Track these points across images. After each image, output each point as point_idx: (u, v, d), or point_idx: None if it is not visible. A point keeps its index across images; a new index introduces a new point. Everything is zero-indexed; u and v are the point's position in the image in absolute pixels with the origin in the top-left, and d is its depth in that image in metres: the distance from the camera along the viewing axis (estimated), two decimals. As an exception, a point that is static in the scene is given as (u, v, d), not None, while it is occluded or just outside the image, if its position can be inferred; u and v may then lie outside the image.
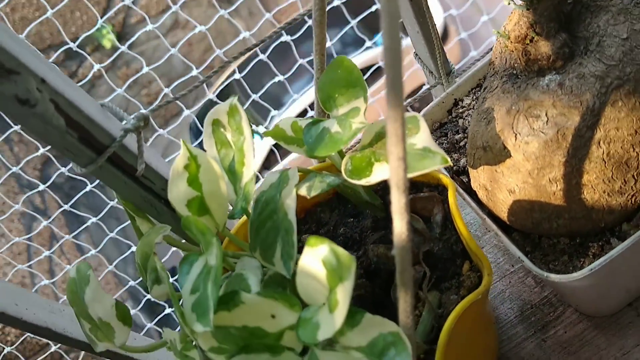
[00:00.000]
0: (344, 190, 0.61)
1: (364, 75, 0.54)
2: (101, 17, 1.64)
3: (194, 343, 0.53)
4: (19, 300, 0.61)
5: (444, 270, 0.57)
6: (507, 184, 0.53)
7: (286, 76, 1.71)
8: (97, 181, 1.70)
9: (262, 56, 1.66)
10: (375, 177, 0.50)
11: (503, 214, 0.56)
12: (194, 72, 1.53)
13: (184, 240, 0.62)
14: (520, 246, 0.56)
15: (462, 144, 0.64)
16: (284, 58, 2.07)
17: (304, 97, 3.14)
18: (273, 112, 1.95)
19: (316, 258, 0.43)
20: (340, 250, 0.41)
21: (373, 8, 1.95)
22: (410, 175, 0.48)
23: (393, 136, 0.36)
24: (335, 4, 1.68)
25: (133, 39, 1.63)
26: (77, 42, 1.45)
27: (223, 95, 2.27)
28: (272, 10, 1.80)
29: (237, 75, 1.73)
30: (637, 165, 0.49)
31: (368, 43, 1.98)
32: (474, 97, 0.66)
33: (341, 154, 0.55)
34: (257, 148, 3.19)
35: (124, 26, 4.21)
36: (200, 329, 0.44)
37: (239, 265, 0.52)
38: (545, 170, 0.50)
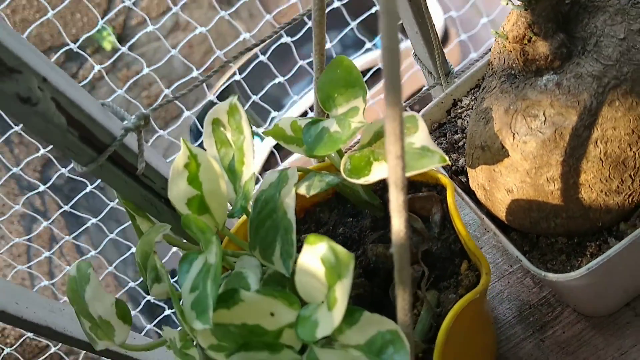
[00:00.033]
0: (343, 189, 0.61)
1: (364, 77, 0.54)
2: (101, 19, 1.64)
3: (193, 341, 0.53)
4: (19, 299, 0.62)
5: (442, 270, 0.57)
6: (505, 184, 0.54)
7: (286, 77, 1.72)
8: (97, 182, 1.70)
9: (262, 57, 1.66)
10: (374, 176, 0.50)
11: (501, 214, 0.56)
12: (194, 74, 1.54)
13: (184, 241, 0.62)
14: (519, 246, 0.57)
15: (460, 144, 0.64)
16: (284, 60, 2.08)
17: (304, 99, 3.15)
18: (273, 114, 1.95)
19: (315, 256, 0.43)
20: (339, 248, 0.41)
21: (373, 10, 1.95)
22: (408, 174, 0.48)
23: (391, 135, 0.36)
24: (335, 5, 1.68)
25: (134, 40, 1.64)
26: (77, 43, 1.45)
27: (223, 97, 2.26)
28: (273, 12, 1.80)
29: (237, 77, 1.73)
30: (634, 164, 0.49)
31: (368, 45, 1.98)
32: (473, 97, 0.66)
33: (340, 154, 0.56)
34: (257, 150, 3.20)
35: (125, 28, 4.22)
36: (199, 327, 0.45)
37: (238, 264, 0.53)
38: (543, 169, 0.51)
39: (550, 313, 0.69)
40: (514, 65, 0.53)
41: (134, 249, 1.89)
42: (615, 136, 0.48)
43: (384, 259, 0.59)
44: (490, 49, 0.64)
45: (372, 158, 0.51)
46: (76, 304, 0.54)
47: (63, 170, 1.55)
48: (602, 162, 0.49)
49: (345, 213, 0.66)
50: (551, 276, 0.52)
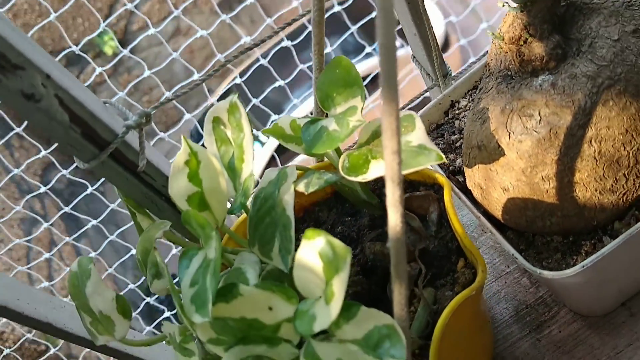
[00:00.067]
0: (342, 188, 0.62)
1: (364, 82, 0.55)
2: (103, 23, 1.65)
3: (193, 336, 0.54)
4: (20, 295, 0.62)
5: (439, 268, 0.58)
6: (501, 182, 0.54)
7: (287, 81, 1.73)
8: (98, 184, 1.71)
9: (263, 61, 1.67)
10: (371, 173, 0.51)
11: (497, 213, 0.57)
12: (195, 77, 1.55)
13: (186, 240, 0.63)
14: (515, 244, 0.57)
15: (458, 144, 0.65)
16: (285, 64, 2.09)
17: (305, 104, 3.16)
18: (274, 117, 1.96)
19: (313, 250, 0.44)
20: (336, 242, 0.42)
21: (373, 14, 1.97)
22: (406, 171, 0.49)
23: (388, 130, 0.37)
24: (335, 9, 1.69)
25: (134, 43, 1.65)
26: (79, 46, 1.46)
27: (224, 101, 2.27)
28: (273, 18, 1.81)
29: (238, 80, 1.74)
30: (628, 163, 0.50)
31: (368, 49, 1.99)
32: (470, 99, 0.67)
33: (338, 152, 0.57)
34: (257, 155, 3.21)
35: (126, 33, 4.23)
36: (199, 320, 0.45)
37: (237, 260, 0.53)
38: (538, 168, 0.51)
39: (546, 313, 0.69)
40: (510, 66, 0.54)
41: (133, 251, 1.90)
42: (610, 135, 0.49)
43: (381, 257, 0.60)
44: (487, 51, 0.65)
45: (370, 156, 0.52)
46: (77, 298, 0.55)
47: (64, 172, 1.56)
48: (597, 161, 0.50)
49: (344, 212, 0.66)
50: (546, 274, 0.53)
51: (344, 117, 0.53)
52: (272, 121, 2.33)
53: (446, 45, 3.34)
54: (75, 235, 1.77)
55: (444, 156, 0.47)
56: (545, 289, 0.70)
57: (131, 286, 1.84)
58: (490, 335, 0.68)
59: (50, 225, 1.81)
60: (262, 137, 3.28)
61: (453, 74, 0.76)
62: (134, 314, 1.94)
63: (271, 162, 3.19)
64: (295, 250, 0.48)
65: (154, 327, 2.00)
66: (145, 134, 0.56)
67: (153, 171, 0.57)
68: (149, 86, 4.19)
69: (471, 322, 0.59)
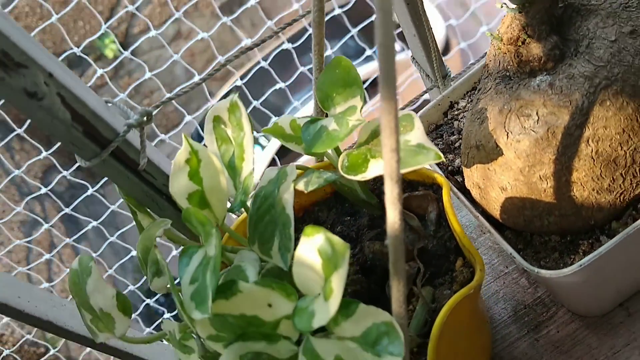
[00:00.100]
0: (341, 188, 0.63)
1: (364, 85, 0.56)
2: (104, 26, 1.66)
3: (192, 333, 0.54)
4: (21, 293, 0.63)
5: (437, 267, 0.58)
6: (499, 182, 0.55)
7: (287, 83, 1.73)
8: (98, 185, 1.71)
9: (263, 63, 1.68)
10: (370, 172, 0.51)
11: (495, 212, 0.58)
12: (196, 79, 1.55)
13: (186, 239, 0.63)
14: (513, 244, 0.58)
15: (457, 145, 0.65)
16: (286, 68, 2.09)
17: (306, 107, 3.17)
18: (275, 119, 1.96)
19: (312, 247, 0.44)
20: (335, 239, 0.43)
21: (374, 17, 1.97)
22: (405, 170, 0.49)
23: (386, 128, 0.37)
24: (336, 12, 1.70)
25: (136, 44, 1.65)
26: (80, 48, 1.47)
27: (224, 104, 2.27)
28: (274, 20, 1.82)
29: (239, 82, 1.75)
30: (625, 163, 0.50)
31: (368, 52, 2.00)
32: (469, 99, 0.68)
33: (338, 152, 0.57)
34: (258, 158, 3.21)
35: (127, 36, 4.24)
36: (198, 316, 0.46)
37: (237, 258, 0.54)
38: (536, 167, 0.52)
39: (544, 313, 0.70)
40: (508, 66, 0.55)
41: (133, 253, 1.90)
42: (607, 135, 0.49)
43: (380, 256, 0.60)
44: (486, 52, 0.66)
45: (369, 155, 0.52)
46: (78, 296, 0.55)
47: (65, 173, 1.56)
48: (594, 160, 0.50)
49: (343, 212, 0.67)
50: (544, 273, 0.53)
51: (343, 117, 0.54)
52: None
53: (447, 48, 3.35)
54: (75, 237, 1.77)
55: (442, 155, 0.48)
56: (543, 290, 0.71)
57: (131, 287, 1.84)
58: (489, 335, 0.68)
59: (51, 226, 1.81)
60: (263, 141, 3.29)
61: (452, 76, 0.76)
62: (133, 316, 1.94)
63: (272, 166, 3.19)
64: (295, 248, 0.48)
65: (153, 329, 2.00)
66: (146, 135, 0.56)
67: (154, 170, 0.58)
68: (149, 89, 4.20)
69: (469, 320, 0.60)
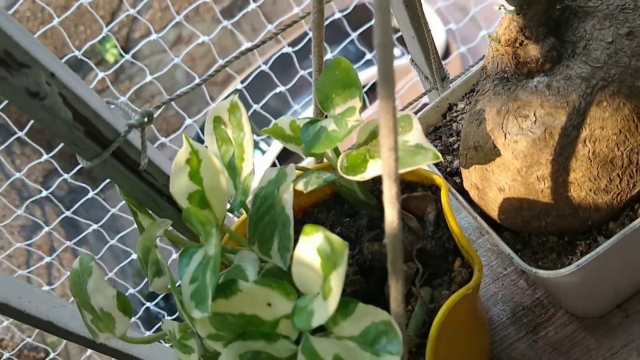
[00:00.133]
0: (341, 189, 0.63)
1: (365, 89, 0.56)
2: (105, 30, 1.67)
3: (192, 332, 0.54)
4: (22, 293, 0.63)
5: (436, 267, 0.59)
6: (497, 182, 0.55)
7: (287, 87, 1.74)
8: (99, 189, 1.72)
9: (264, 67, 1.68)
10: (369, 172, 0.52)
11: (494, 213, 0.58)
12: (197, 80, 1.55)
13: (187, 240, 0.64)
14: (511, 244, 0.58)
15: (455, 146, 0.66)
16: (286, 73, 2.10)
17: (307, 111, 3.17)
18: (275, 121, 1.97)
19: (311, 246, 0.45)
20: (334, 237, 0.43)
21: (373, 21, 1.98)
22: (403, 170, 0.50)
23: (385, 127, 0.37)
24: (336, 16, 1.70)
25: (137, 48, 1.66)
26: (81, 51, 1.47)
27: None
28: (275, 25, 1.82)
29: (239, 87, 1.75)
30: (621, 164, 0.51)
31: (368, 56, 2.00)
32: (468, 101, 0.68)
33: (337, 153, 0.57)
34: (259, 163, 3.22)
35: (128, 41, 4.26)
36: (198, 315, 0.46)
37: (237, 258, 0.54)
38: (533, 168, 0.52)
39: (543, 314, 0.70)
40: (506, 68, 0.55)
41: (134, 255, 1.90)
42: (603, 136, 0.50)
43: (379, 257, 0.60)
44: (485, 56, 0.66)
45: (368, 156, 0.53)
46: (78, 296, 0.55)
47: (66, 175, 1.56)
48: (591, 161, 0.51)
49: (343, 213, 0.67)
50: (542, 273, 0.54)
51: (342, 118, 0.54)
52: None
53: (447, 53, 3.36)
54: (75, 240, 1.78)
55: (440, 155, 0.48)
56: (542, 291, 0.71)
57: (131, 291, 1.85)
58: (487, 337, 0.69)
59: (51, 229, 1.82)
60: (263, 146, 3.30)
61: (451, 78, 0.77)
62: (133, 319, 1.94)
63: (272, 170, 3.19)
64: (294, 248, 0.49)
65: (153, 332, 2.00)
66: (146, 135, 0.57)
67: (154, 170, 0.58)
68: (150, 94, 4.21)
69: (468, 321, 0.60)
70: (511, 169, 0.53)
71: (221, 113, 0.55)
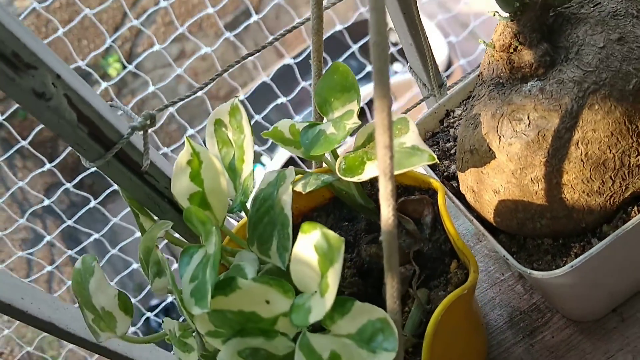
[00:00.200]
0: (339, 193, 0.64)
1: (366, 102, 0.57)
2: (108, 48, 1.69)
3: (192, 331, 0.55)
4: (25, 294, 0.64)
5: (433, 269, 0.60)
6: (492, 185, 0.56)
7: (289, 98, 1.75)
8: (101, 198, 1.73)
9: (266, 79, 1.70)
10: (367, 174, 0.53)
11: (489, 215, 0.59)
12: (199, 93, 1.57)
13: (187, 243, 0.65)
14: (507, 247, 0.59)
15: (452, 151, 0.67)
16: (288, 87, 2.12)
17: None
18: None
19: (309, 244, 0.46)
20: (331, 233, 0.44)
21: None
22: (400, 171, 0.51)
23: (380, 126, 0.39)
24: (337, 28, 1.72)
25: (140, 58, 1.68)
26: (85, 61, 1.49)
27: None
28: (277, 37, 1.83)
29: (241, 97, 1.77)
30: (614, 166, 0.52)
31: (369, 67, 2.02)
32: (465, 108, 0.69)
33: (335, 156, 0.58)
34: (260, 176, 3.22)
35: (131, 55, 4.29)
36: (198, 312, 0.47)
37: (236, 258, 0.55)
38: (527, 170, 0.53)
39: (540, 319, 0.71)
40: (501, 73, 0.56)
41: (134, 265, 1.91)
42: (595, 138, 0.51)
43: (377, 259, 0.61)
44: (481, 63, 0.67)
45: (365, 158, 0.54)
46: (80, 295, 0.56)
47: (67, 185, 1.58)
48: (583, 163, 0.52)
49: (341, 217, 0.68)
50: (536, 274, 0.54)
51: (341, 121, 0.56)
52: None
53: (448, 67, 3.39)
54: (76, 250, 1.79)
55: (435, 157, 0.49)
56: (538, 296, 0.72)
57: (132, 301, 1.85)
58: (484, 340, 0.69)
59: (52, 242, 1.83)
60: (265, 159, 3.31)
61: (448, 85, 0.78)
62: (133, 329, 1.94)
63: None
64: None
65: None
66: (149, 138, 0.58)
67: (156, 172, 0.59)
68: (152, 108, 4.23)
69: (464, 321, 0.61)
70: (506, 171, 0.54)
71: (222, 115, 0.56)
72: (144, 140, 0.55)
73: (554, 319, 0.70)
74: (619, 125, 0.50)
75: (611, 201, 0.54)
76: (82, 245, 1.83)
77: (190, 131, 1.62)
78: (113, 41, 3.62)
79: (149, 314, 1.85)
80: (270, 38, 0.72)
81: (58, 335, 0.67)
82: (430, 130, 0.70)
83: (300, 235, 0.46)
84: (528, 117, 0.53)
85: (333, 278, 0.44)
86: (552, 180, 0.53)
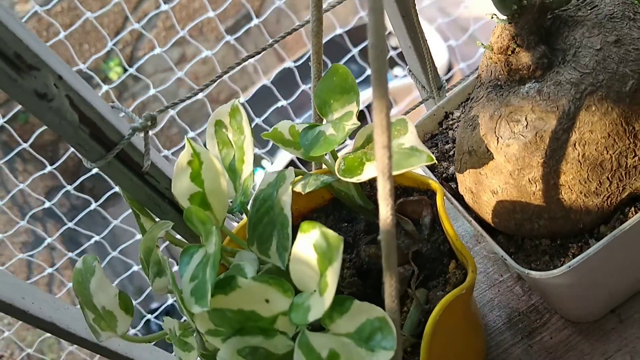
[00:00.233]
0: (339, 194, 0.64)
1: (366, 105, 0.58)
2: (109, 52, 1.70)
3: (192, 330, 0.55)
4: (26, 294, 0.64)
5: (431, 269, 0.60)
6: (490, 185, 0.57)
7: (289, 101, 1.76)
8: (101, 200, 1.73)
9: (266, 82, 1.71)
10: (365, 174, 0.53)
11: (488, 216, 0.59)
12: (200, 96, 1.58)
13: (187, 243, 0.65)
14: (505, 247, 0.59)
15: (451, 153, 0.67)
16: (289, 91, 2.13)
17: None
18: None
19: (308, 243, 0.46)
20: (329, 232, 0.44)
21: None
22: (399, 171, 0.51)
23: (378, 126, 0.39)
24: (338, 31, 1.73)
25: (141, 62, 1.69)
26: (86, 64, 1.50)
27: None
28: (277, 44, 1.84)
29: (242, 100, 1.78)
30: (611, 167, 0.52)
31: (369, 71, 2.03)
32: (464, 110, 0.70)
33: (335, 157, 0.59)
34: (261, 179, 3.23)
35: (132, 59, 4.30)
36: (198, 310, 0.47)
37: (236, 258, 0.55)
38: (525, 170, 0.54)
39: (538, 320, 0.71)
40: (499, 75, 0.57)
41: (135, 268, 1.91)
42: (593, 139, 0.51)
43: (375, 260, 0.62)
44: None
45: (364, 159, 0.54)
46: (81, 295, 0.56)
47: (68, 187, 1.58)
48: (581, 164, 0.52)
49: (341, 219, 0.69)
50: (534, 274, 0.55)
51: (340, 122, 0.56)
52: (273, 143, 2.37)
53: (449, 70, 3.40)
54: (76, 252, 1.79)
55: (434, 157, 0.50)
56: (537, 297, 0.72)
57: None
58: (483, 340, 0.70)
59: (53, 244, 1.83)
60: (265, 164, 3.32)
61: (447, 87, 0.79)
62: (133, 332, 1.95)
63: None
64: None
65: (153, 345, 2.00)
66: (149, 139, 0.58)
67: (157, 173, 0.59)
68: (153, 111, 4.24)
69: (462, 321, 0.61)
70: (504, 172, 0.55)
71: (222, 117, 0.56)
72: (145, 141, 0.56)
73: (553, 320, 0.70)
74: (615, 127, 0.51)
75: (608, 202, 0.54)
76: (82, 248, 1.84)
77: (191, 134, 1.62)
78: (114, 45, 3.63)
79: (149, 316, 1.86)
80: (270, 40, 0.73)
81: (59, 335, 0.68)
82: (429, 132, 0.71)
83: (299, 235, 0.47)
84: (526, 119, 0.53)
85: (332, 277, 0.44)
86: (550, 181, 0.53)
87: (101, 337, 0.57)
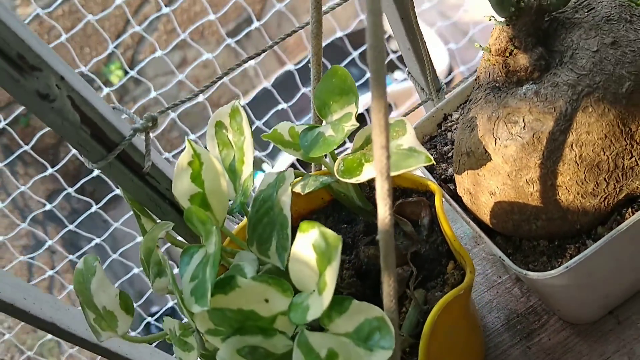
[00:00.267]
0: (338, 195, 0.65)
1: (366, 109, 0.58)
2: (110, 55, 1.70)
3: (192, 330, 0.56)
4: (27, 294, 0.65)
5: (430, 270, 0.60)
6: (488, 186, 0.57)
7: (290, 104, 1.77)
8: (102, 202, 1.74)
9: (266, 84, 1.71)
10: (364, 175, 0.53)
11: (486, 217, 0.60)
12: (201, 98, 1.59)
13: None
14: (503, 248, 0.60)
15: (450, 155, 0.68)
16: (290, 94, 2.14)
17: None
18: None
19: (307, 243, 0.46)
20: (328, 232, 0.45)
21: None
22: (397, 172, 0.52)
23: (377, 126, 0.39)
24: (338, 34, 1.74)
25: (142, 64, 1.69)
26: (87, 67, 1.51)
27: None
28: (278, 47, 1.86)
29: (242, 102, 1.79)
30: (607, 168, 0.53)
31: (369, 74, 2.03)
32: (462, 112, 0.70)
33: (334, 158, 0.59)
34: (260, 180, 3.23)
35: (133, 62, 4.31)
36: (198, 310, 0.47)
37: (236, 258, 0.56)
38: (523, 171, 0.54)
39: (537, 321, 0.71)
40: (497, 77, 0.57)
41: (135, 270, 1.92)
42: (589, 140, 0.52)
43: (374, 260, 0.62)
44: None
45: (363, 160, 0.55)
46: (82, 295, 0.57)
47: (69, 189, 1.59)
48: (578, 164, 0.52)
49: (340, 220, 0.69)
50: (532, 275, 0.55)
51: (339, 124, 0.56)
52: (274, 145, 2.37)
53: (449, 74, 3.40)
54: (77, 255, 1.79)
55: (432, 158, 0.50)
56: (535, 299, 0.72)
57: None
58: (481, 341, 0.70)
59: (53, 246, 1.83)
60: (266, 167, 3.32)
61: (446, 89, 0.79)
62: (133, 334, 1.95)
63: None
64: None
65: (154, 346, 2.00)
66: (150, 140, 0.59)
67: (158, 174, 0.60)
68: (153, 112, 4.25)
69: (460, 321, 0.61)
70: (501, 173, 0.55)
71: (222, 118, 0.57)
72: (146, 142, 0.56)
73: (551, 322, 0.71)
74: (612, 128, 0.51)
75: (605, 203, 0.55)
76: (82, 251, 1.84)
77: (192, 136, 1.63)
78: (115, 48, 3.64)
79: (149, 318, 1.86)
80: (271, 42, 0.73)
81: (59, 335, 0.68)
82: (428, 133, 0.71)
83: (298, 234, 0.47)
84: (523, 120, 0.54)
85: (331, 276, 0.45)
86: (547, 182, 0.53)
87: (102, 337, 0.58)
